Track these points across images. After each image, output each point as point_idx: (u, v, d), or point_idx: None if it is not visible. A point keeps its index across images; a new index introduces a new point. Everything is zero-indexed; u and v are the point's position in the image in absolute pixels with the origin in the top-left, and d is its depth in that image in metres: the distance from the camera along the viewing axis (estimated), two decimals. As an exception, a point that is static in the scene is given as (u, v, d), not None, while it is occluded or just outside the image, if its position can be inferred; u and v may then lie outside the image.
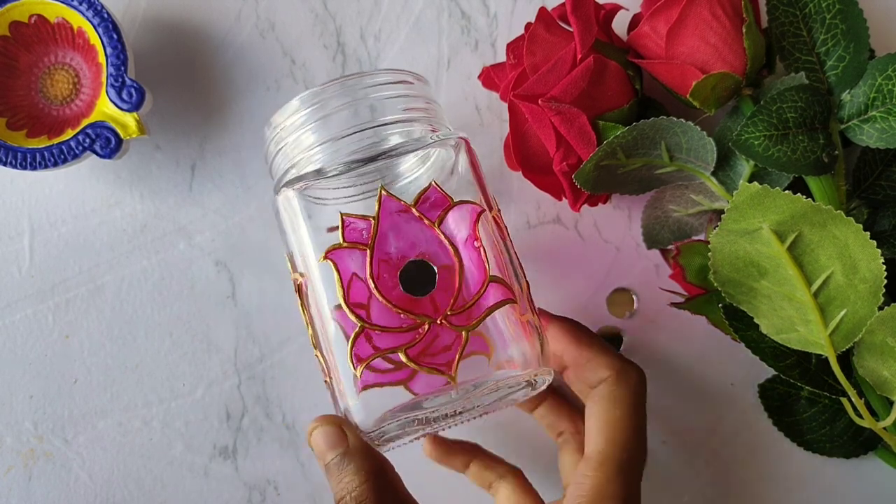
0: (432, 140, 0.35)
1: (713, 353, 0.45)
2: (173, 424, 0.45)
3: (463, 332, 0.34)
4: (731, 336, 0.40)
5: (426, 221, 0.35)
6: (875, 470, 0.45)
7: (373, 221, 0.34)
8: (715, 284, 0.38)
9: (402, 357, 0.33)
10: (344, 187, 0.37)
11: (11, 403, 0.45)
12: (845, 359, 0.39)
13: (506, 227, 0.38)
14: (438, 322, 0.33)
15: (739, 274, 0.38)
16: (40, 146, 0.42)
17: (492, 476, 0.42)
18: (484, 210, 0.36)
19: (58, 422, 0.45)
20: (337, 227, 0.35)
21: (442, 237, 0.35)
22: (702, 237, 0.44)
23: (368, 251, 0.34)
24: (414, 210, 0.35)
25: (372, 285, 0.34)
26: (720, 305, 0.40)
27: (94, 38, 0.42)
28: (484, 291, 0.34)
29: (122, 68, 0.42)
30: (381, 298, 0.34)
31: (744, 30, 0.39)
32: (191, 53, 0.46)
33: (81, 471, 0.45)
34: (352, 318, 0.34)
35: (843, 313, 0.37)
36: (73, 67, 0.44)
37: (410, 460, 0.40)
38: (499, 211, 0.38)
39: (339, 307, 0.35)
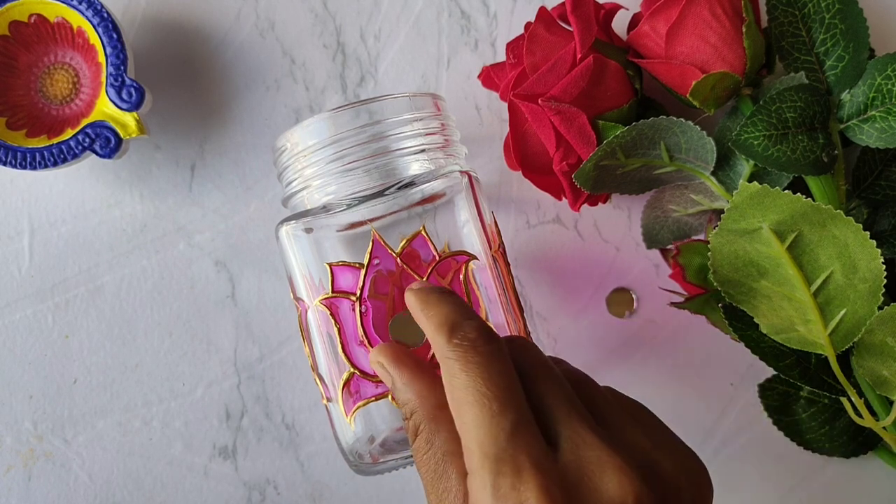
0: (433, 177, 0.36)
1: (713, 353, 0.45)
2: (173, 424, 0.45)
3: None
4: (731, 336, 0.40)
5: (415, 276, 0.35)
6: (875, 470, 0.45)
7: (361, 271, 0.35)
8: (715, 284, 0.38)
9: (393, 403, 0.35)
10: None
11: (11, 403, 0.45)
12: (845, 358, 0.39)
13: (508, 263, 0.38)
14: None
15: (739, 274, 0.38)
16: (40, 146, 0.42)
17: None
18: (470, 260, 0.36)
19: (58, 422, 0.45)
20: (339, 263, 0.35)
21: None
22: (702, 237, 0.44)
23: (357, 303, 0.35)
24: (401, 263, 0.35)
25: (361, 334, 0.35)
26: (720, 305, 0.40)
27: (93, 38, 0.42)
28: None
29: (122, 68, 0.42)
30: (367, 349, 0.35)
31: (743, 29, 0.39)
32: (190, 53, 0.46)
33: (81, 471, 0.45)
34: (346, 363, 0.35)
35: (842, 313, 0.37)
36: (73, 67, 0.44)
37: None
38: (501, 245, 0.38)
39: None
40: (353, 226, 0.36)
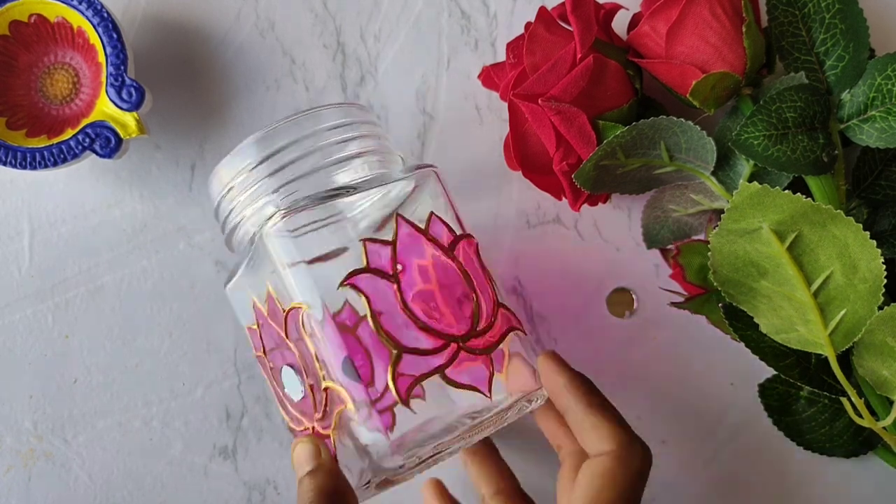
0: (401, 176, 0.36)
1: (713, 353, 0.45)
2: (173, 424, 0.45)
3: (490, 354, 0.35)
4: (731, 336, 0.40)
5: (444, 254, 0.35)
6: (875, 470, 0.45)
7: (391, 248, 0.35)
8: (715, 284, 0.38)
9: (442, 380, 0.34)
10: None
11: (11, 403, 0.45)
12: (845, 358, 0.39)
13: (478, 252, 0.38)
14: (461, 343, 0.34)
15: (739, 274, 0.38)
16: (40, 146, 0.42)
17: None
18: (478, 242, 0.37)
19: (58, 422, 0.45)
20: (322, 257, 0.35)
21: (457, 267, 0.35)
22: (702, 237, 0.44)
23: (395, 282, 0.34)
24: (429, 239, 0.35)
25: (403, 307, 0.34)
26: (720, 305, 0.40)
27: (93, 38, 0.42)
28: (496, 319, 0.35)
29: (122, 68, 0.42)
30: (414, 322, 0.34)
31: (743, 29, 0.39)
32: (190, 53, 0.46)
33: (81, 471, 0.45)
34: (387, 344, 0.33)
35: (842, 313, 0.37)
36: (73, 67, 0.44)
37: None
38: (468, 236, 0.38)
39: (346, 332, 0.35)
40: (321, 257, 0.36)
